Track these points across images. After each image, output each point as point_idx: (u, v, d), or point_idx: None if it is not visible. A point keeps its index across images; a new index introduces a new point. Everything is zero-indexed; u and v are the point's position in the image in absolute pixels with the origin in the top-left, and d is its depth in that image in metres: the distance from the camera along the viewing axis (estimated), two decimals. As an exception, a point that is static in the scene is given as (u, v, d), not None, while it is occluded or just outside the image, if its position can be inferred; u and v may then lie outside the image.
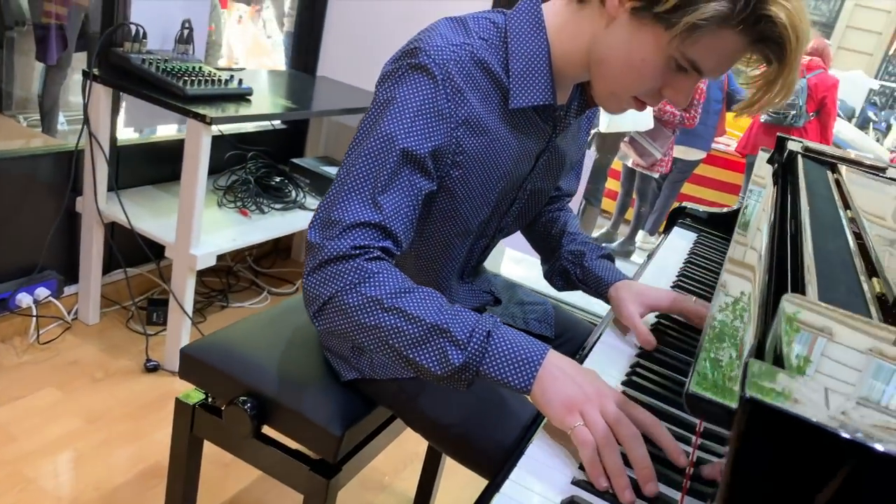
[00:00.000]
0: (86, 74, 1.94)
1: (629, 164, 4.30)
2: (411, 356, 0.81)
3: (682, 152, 4.28)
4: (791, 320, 0.46)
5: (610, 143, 4.03)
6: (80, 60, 3.56)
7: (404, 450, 1.91)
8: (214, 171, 2.29)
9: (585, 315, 2.63)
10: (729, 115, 4.58)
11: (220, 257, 2.07)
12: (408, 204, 0.87)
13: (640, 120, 3.80)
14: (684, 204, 1.72)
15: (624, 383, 0.92)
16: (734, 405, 0.39)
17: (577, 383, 0.78)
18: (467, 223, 1.01)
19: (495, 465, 0.99)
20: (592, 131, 3.97)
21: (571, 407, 0.76)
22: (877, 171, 1.44)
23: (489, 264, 1.33)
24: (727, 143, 5.10)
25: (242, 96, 2.06)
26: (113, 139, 2.11)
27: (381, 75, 0.92)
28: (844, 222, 0.94)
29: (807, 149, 1.48)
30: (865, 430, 0.37)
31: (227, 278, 2.64)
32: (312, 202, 2.49)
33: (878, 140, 6.88)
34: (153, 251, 2.09)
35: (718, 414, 0.48)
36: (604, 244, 3.39)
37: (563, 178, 1.20)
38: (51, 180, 2.05)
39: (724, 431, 0.81)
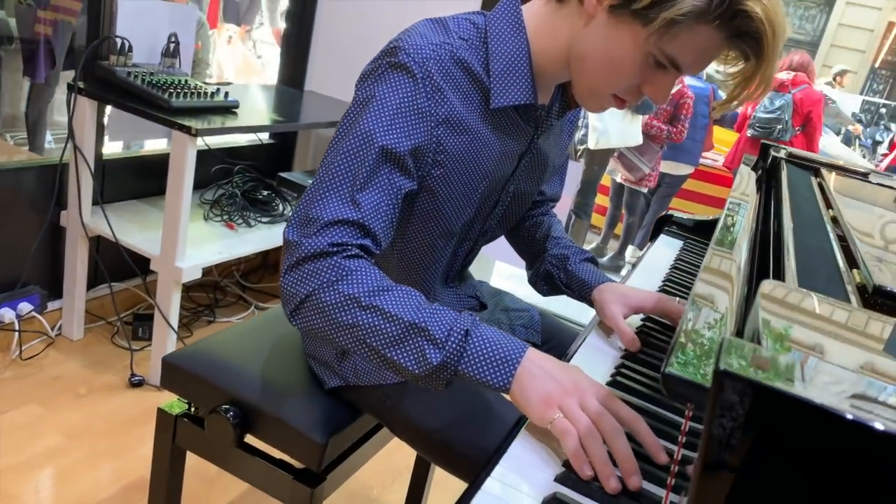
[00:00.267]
0: (71, 87, 1.94)
1: (618, 179, 4.33)
2: (389, 355, 0.80)
3: (670, 167, 4.31)
4: (768, 299, 0.45)
5: (599, 158, 4.05)
6: (67, 78, 3.57)
7: (392, 463, 1.89)
8: (201, 185, 2.29)
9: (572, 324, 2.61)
10: (716, 130, 4.63)
11: (207, 272, 2.06)
12: (387, 202, 0.87)
13: (629, 136, 3.83)
14: (671, 212, 1.72)
15: (609, 384, 0.92)
16: (708, 385, 0.38)
17: (556, 379, 0.77)
18: (450, 224, 1.00)
19: (479, 470, 0.98)
20: (581, 147, 4.01)
21: (550, 402, 0.75)
22: (860, 176, 1.45)
23: (478, 275, 1.33)
24: (715, 158, 5.15)
25: (229, 109, 2.06)
26: (98, 153, 2.10)
27: (361, 74, 0.92)
28: (826, 220, 0.94)
29: (791, 155, 1.49)
30: (846, 405, 0.36)
31: (214, 293, 2.62)
32: (300, 216, 2.48)
33: (864, 156, 6.94)
34: (139, 266, 2.07)
35: (695, 395, 0.48)
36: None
37: (546, 182, 1.20)
38: (35, 194, 2.04)
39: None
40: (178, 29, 2.14)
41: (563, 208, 1.20)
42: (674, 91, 3.93)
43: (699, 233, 1.68)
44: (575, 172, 3.69)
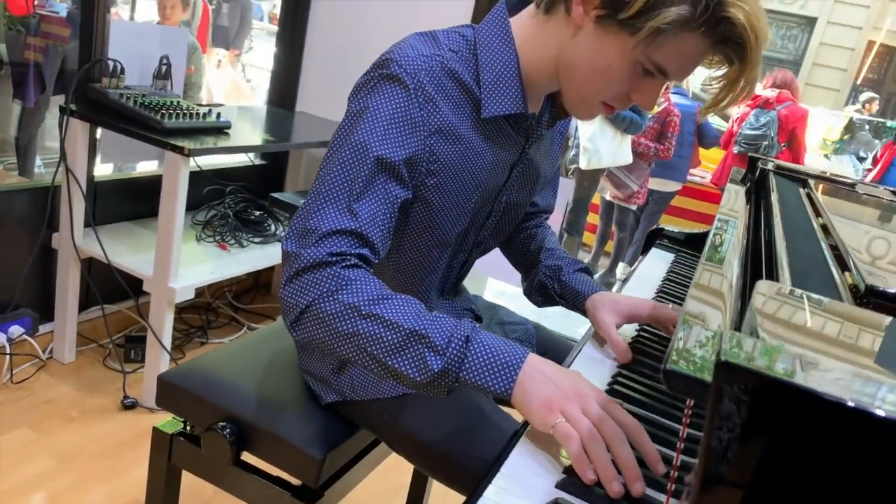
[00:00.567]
0: (63, 110, 1.94)
1: (607, 196, 4.36)
2: (390, 363, 0.81)
3: (658, 184, 4.35)
4: (764, 297, 0.46)
5: (590, 176, 4.09)
6: (57, 103, 3.58)
7: (389, 482, 1.88)
8: (193, 206, 2.29)
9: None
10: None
11: (200, 293, 2.06)
12: (384, 211, 0.87)
13: (619, 156, 3.88)
14: (661, 226, 1.74)
15: (606, 393, 0.92)
16: (709, 379, 0.39)
17: (557, 384, 0.77)
18: (445, 234, 1.01)
19: (479, 482, 0.98)
20: (572, 167, 4.04)
21: (552, 406, 0.75)
22: (847, 187, 1.48)
23: (470, 289, 1.33)
24: (702, 175, 5.20)
25: (221, 129, 2.07)
26: (90, 175, 2.11)
27: (353, 87, 0.93)
28: (816, 227, 0.95)
29: (778, 167, 1.51)
30: (849, 395, 0.37)
31: (206, 314, 2.61)
32: (292, 236, 2.48)
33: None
34: (131, 287, 2.06)
35: (695, 389, 0.48)
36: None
37: (538, 192, 1.21)
38: (26, 217, 2.03)
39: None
40: (169, 51, 2.16)
41: (554, 226, 1.22)
42: (660, 109, 3.98)
43: (690, 246, 1.69)
44: (565, 189, 3.72)
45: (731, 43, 0.84)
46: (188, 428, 1.22)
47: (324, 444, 1.10)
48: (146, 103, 1.94)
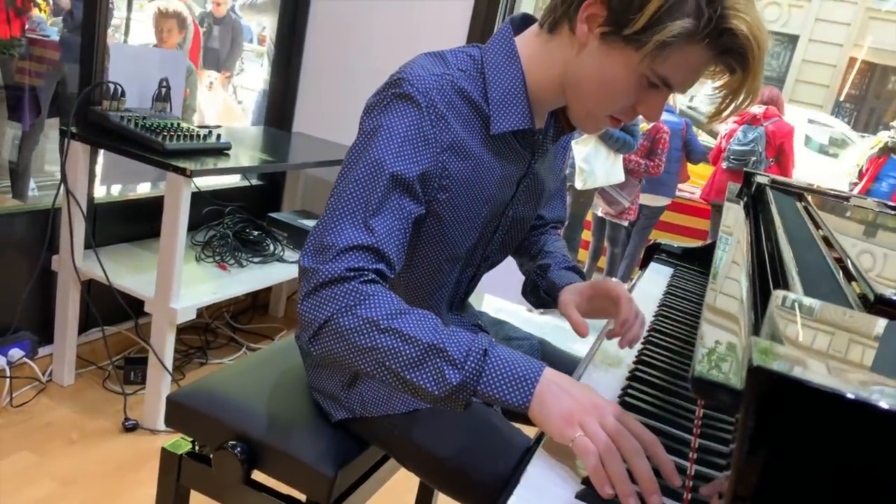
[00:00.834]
0: (64, 133, 1.95)
1: (599, 213, 4.41)
2: (408, 377, 0.82)
3: (648, 199, 4.42)
4: (781, 307, 0.48)
5: (585, 195, 4.15)
6: (51, 127, 3.58)
7: (395, 497, 1.88)
8: (192, 227, 2.29)
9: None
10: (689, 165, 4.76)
11: (198, 314, 2.06)
12: (399, 227, 0.89)
13: (613, 175, 3.96)
14: (658, 240, 1.77)
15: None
16: (738, 386, 0.41)
17: (575, 397, 0.79)
18: (456, 248, 1.03)
19: (493, 496, 0.98)
20: (567, 185, 4.09)
21: (570, 419, 0.77)
22: (841, 199, 1.51)
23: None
24: (692, 190, 5.26)
25: (221, 150, 2.08)
26: (90, 197, 2.11)
27: (365, 107, 0.95)
28: (817, 238, 0.98)
29: (774, 181, 1.55)
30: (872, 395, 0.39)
31: (204, 335, 2.61)
32: (291, 255, 2.49)
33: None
34: (131, 308, 2.06)
35: (724, 396, 0.50)
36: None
37: (544, 206, 1.23)
38: (26, 240, 2.04)
39: (718, 447, 0.83)
40: (168, 74, 2.18)
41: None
42: (650, 127, 4.05)
43: (688, 260, 1.72)
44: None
45: (733, 53, 0.87)
46: (197, 448, 1.22)
47: (335, 461, 1.10)
48: (147, 125, 1.95)
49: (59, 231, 2.04)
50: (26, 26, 3.24)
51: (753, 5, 0.86)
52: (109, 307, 2.10)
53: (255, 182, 2.84)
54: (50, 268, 2.08)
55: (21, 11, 3.21)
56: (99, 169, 2.23)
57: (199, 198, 2.43)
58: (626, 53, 0.88)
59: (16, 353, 2.02)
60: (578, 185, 3.94)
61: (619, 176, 3.97)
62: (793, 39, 12.38)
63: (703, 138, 5.77)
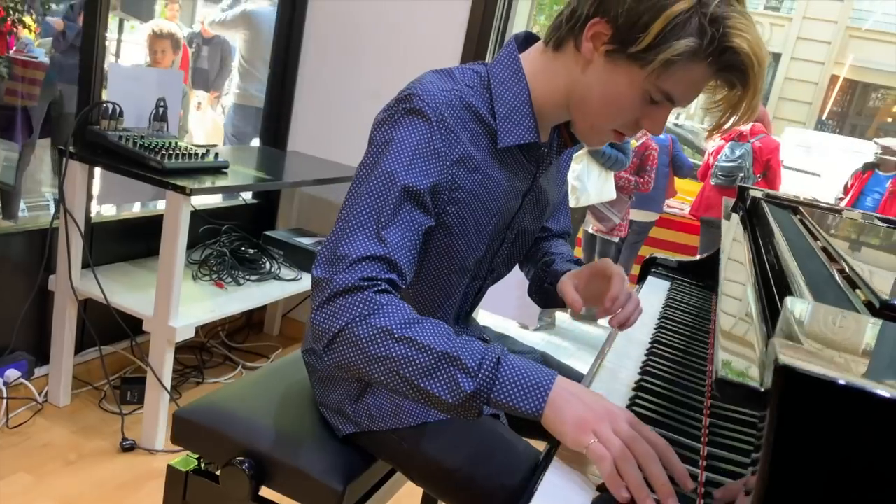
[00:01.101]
0: (62, 152, 1.96)
1: (590, 230, 4.45)
2: (422, 385, 0.83)
3: (638, 214, 4.50)
4: (794, 313, 0.50)
5: (577, 211, 4.20)
6: (42, 147, 3.58)
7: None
8: (188, 245, 2.29)
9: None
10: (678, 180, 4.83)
11: (194, 333, 2.05)
12: (410, 238, 0.91)
13: (605, 192, 4.02)
14: (654, 255, 1.79)
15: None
16: (760, 386, 0.43)
17: (588, 404, 0.80)
18: (464, 260, 1.05)
19: (514, 502, 0.99)
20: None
21: (584, 426, 0.78)
22: (833, 212, 1.54)
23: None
24: (681, 206, 5.32)
25: (219, 169, 2.10)
26: (87, 216, 2.11)
27: (376, 122, 0.97)
28: (816, 249, 1.00)
29: (768, 195, 1.58)
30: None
31: (200, 354, 2.60)
32: (287, 273, 2.50)
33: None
34: (128, 327, 2.06)
35: (747, 396, 0.51)
36: (569, 311, 3.49)
37: (548, 218, 1.25)
38: (23, 260, 2.03)
39: (725, 453, 0.84)
40: (165, 93, 2.19)
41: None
42: (639, 144, 4.12)
43: (683, 273, 1.74)
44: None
45: (735, 70, 0.90)
46: (203, 465, 1.22)
47: (343, 475, 1.11)
48: (146, 144, 1.96)
49: (56, 251, 2.03)
50: (14, 48, 3.26)
51: (753, 24, 0.90)
52: (106, 327, 2.09)
53: (250, 200, 2.84)
54: (47, 288, 2.08)
55: (7, 33, 3.23)
56: (95, 187, 2.23)
57: (195, 216, 2.43)
58: (630, 70, 0.91)
59: (12, 373, 2.01)
60: (571, 202, 4.00)
61: (611, 193, 4.03)
62: (775, 57, 12.58)
63: (688, 153, 5.85)
